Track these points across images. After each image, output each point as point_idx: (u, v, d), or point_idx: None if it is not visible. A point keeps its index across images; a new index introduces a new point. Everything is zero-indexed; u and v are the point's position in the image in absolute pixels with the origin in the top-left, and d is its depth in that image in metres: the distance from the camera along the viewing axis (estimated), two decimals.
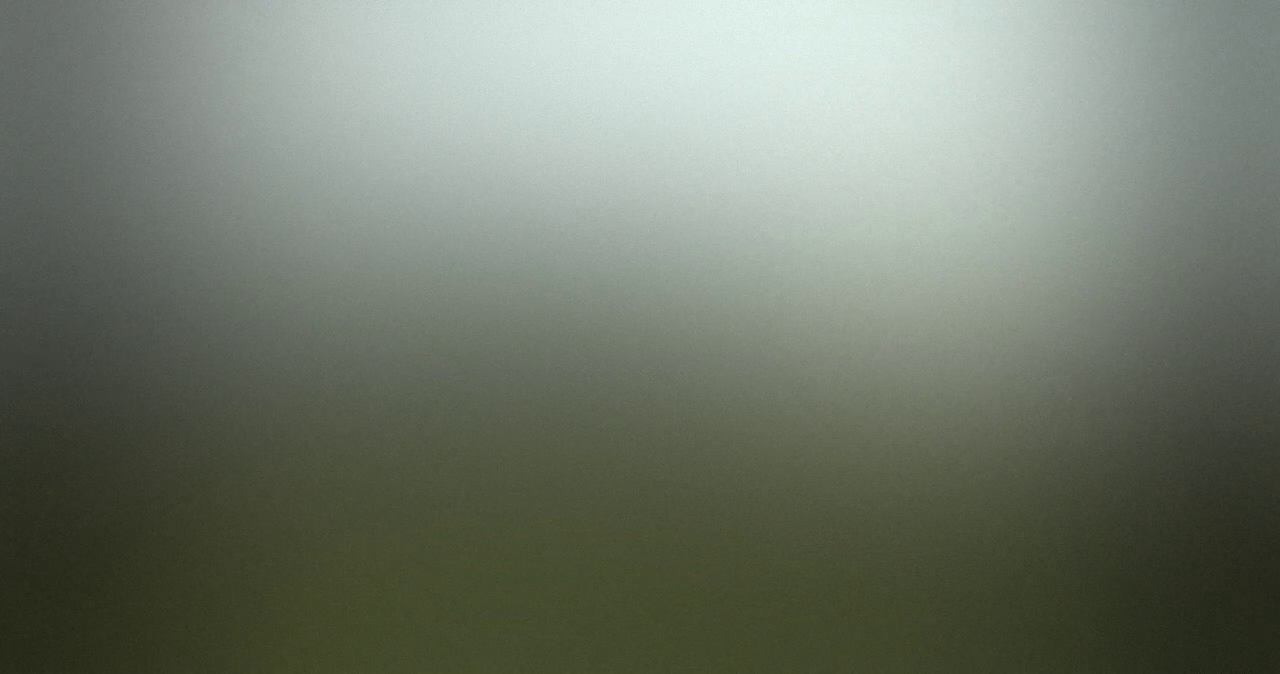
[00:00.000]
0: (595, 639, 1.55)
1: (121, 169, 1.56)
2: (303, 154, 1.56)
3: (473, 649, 1.55)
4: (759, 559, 1.55)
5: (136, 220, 1.56)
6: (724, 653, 1.56)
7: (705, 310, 1.55)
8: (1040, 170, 1.56)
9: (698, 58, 1.55)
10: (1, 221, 1.56)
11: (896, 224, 1.56)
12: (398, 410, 1.55)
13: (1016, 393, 1.56)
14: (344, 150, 1.56)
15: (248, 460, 1.55)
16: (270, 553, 1.55)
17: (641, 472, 1.55)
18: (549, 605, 1.55)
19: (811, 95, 1.55)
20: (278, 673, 1.55)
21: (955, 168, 1.56)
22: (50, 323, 1.55)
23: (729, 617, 1.55)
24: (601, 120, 1.55)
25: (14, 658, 1.55)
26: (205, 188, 1.56)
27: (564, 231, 1.55)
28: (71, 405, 1.55)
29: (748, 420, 1.55)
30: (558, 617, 1.55)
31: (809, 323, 1.55)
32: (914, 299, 1.56)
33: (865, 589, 1.55)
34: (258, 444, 1.55)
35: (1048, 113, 1.56)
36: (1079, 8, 1.57)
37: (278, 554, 1.55)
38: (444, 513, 1.55)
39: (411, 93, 1.56)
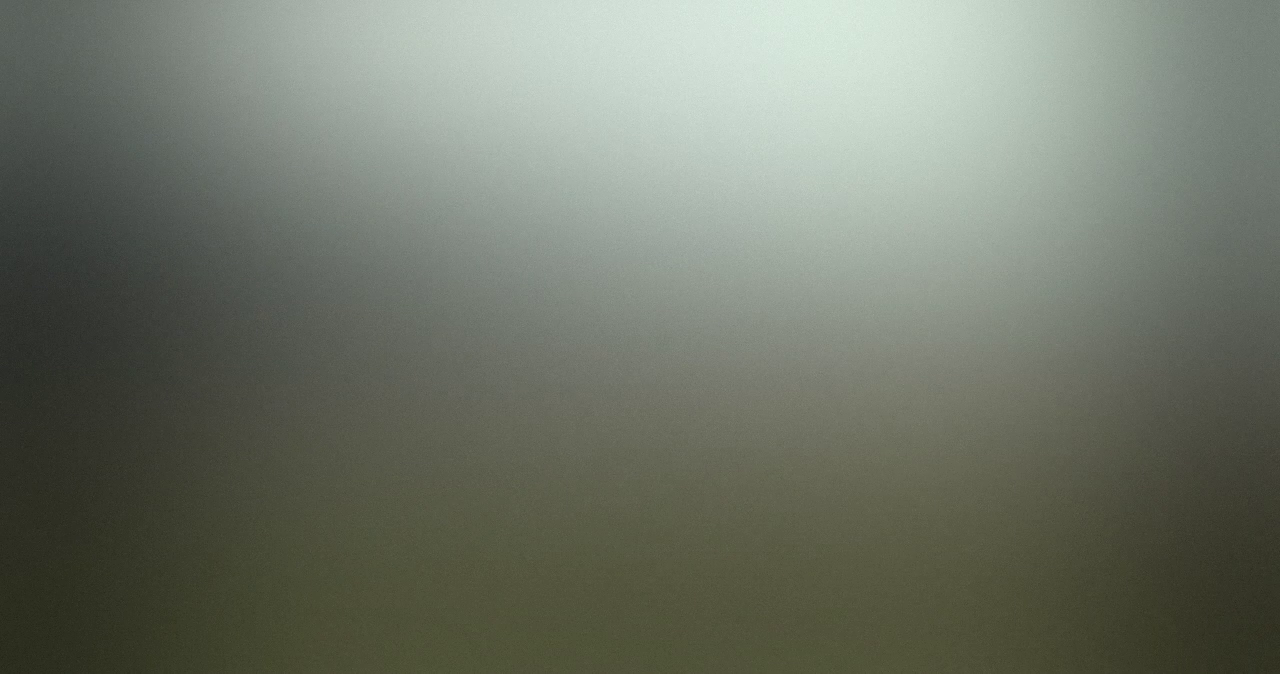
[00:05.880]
0: (596, 639, 1.55)
1: (120, 165, 1.56)
2: (299, 152, 1.56)
3: (474, 650, 1.55)
4: (760, 558, 1.55)
5: (133, 215, 1.56)
6: (726, 653, 1.56)
7: (705, 309, 1.55)
8: (1043, 169, 1.56)
9: (698, 56, 1.56)
10: (1, 220, 1.56)
11: (897, 222, 1.56)
12: (399, 407, 1.55)
13: (1017, 391, 1.56)
14: (340, 149, 1.56)
15: (245, 460, 1.55)
16: (267, 548, 1.55)
17: (643, 470, 1.55)
18: (549, 605, 1.55)
19: (811, 94, 1.55)
20: (277, 671, 1.55)
21: (957, 166, 1.56)
22: (49, 323, 1.55)
23: (731, 616, 1.55)
24: (601, 118, 1.55)
25: (14, 658, 1.55)
26: (204, 185, 1.56)
27: (564, 232, 1.55)
28: (71, 397, 1.55)
29: (750, 419, 1.55)
30: (558, 616, 1.55)
31: (811, 321, 1.55)
32: (916, 298, 1.56)
33: (867, 589, 1.55)
34: (253, 440, 1.55)
35: (1050, 111, 1.56)
36: (1080, 7, 1.57)
37: (275, 549, 1.55)
38: (444, 510, 1.55)
39: (411, 90, 1.56)
